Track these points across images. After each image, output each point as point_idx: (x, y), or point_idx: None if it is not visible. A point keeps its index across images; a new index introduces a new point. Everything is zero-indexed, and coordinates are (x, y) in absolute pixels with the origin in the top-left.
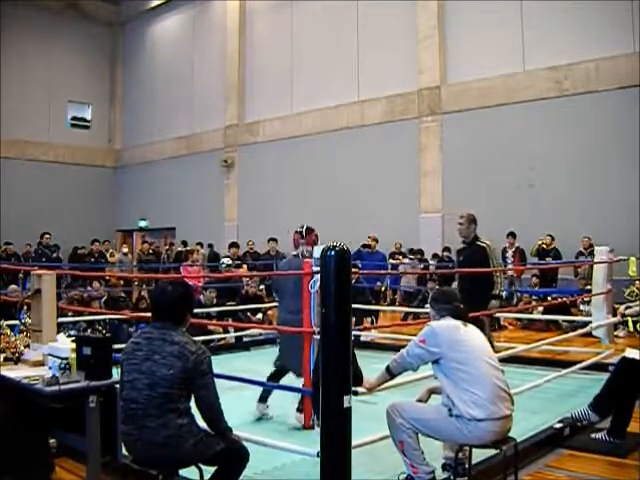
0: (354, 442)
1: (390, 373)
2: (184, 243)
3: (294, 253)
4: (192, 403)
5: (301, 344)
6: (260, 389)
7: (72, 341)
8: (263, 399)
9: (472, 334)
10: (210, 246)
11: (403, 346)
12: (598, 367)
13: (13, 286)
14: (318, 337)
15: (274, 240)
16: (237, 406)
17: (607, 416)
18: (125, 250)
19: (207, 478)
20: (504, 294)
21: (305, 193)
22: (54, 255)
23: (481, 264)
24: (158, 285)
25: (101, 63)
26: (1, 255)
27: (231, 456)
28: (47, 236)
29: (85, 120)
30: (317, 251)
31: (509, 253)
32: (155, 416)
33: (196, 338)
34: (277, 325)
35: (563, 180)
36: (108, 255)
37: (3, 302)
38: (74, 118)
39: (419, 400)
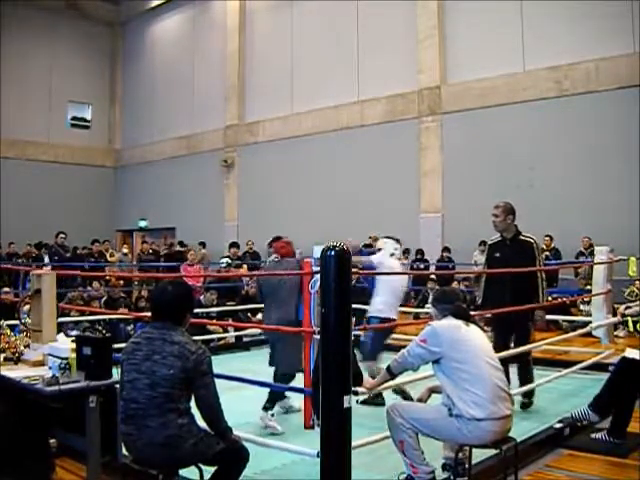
0: (354, 442)
1: (390, 373)
2: (180, 243)
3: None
4: (192, 403)
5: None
6: (261, 389)
7: (72, 341)
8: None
9: (473, 334)
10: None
11: (403, 346)
12: (598, 367)
13: (5, 289)
14: (318, 337)
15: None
16: (237, 406)
17: (607, 416)
18: (125, 250)
19: (207, 478)
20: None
21: (305, 193)
22: (68, 255)
23: (529, 263)
24: (158, 285)
25: (101, 63)
26: (2, 255)
27: (231, 456)
28: (62, 235)
29: (85, 120)
30: (317, 251)
31: None
32: (155, 416)
33: (196, 338)
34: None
35: (563, 180)
36: (108, 255)
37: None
38: (74, 118)
39: (419, 400)
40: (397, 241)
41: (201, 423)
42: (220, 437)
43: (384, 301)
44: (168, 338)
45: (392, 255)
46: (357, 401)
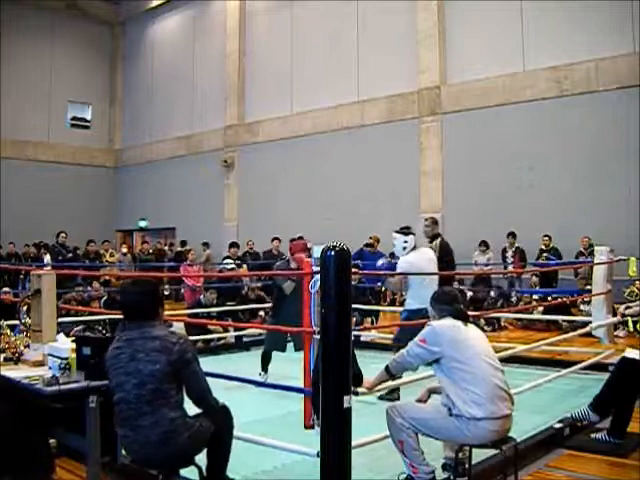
0: (354, 442)
1: (389, 373)
2: (182, 243)
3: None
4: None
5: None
6: (261, 389)
7: (72, 341)
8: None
9: (472, 334)
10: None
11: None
12: (598, 367)
13: (5, 289)
14: (318, 337)
15: (278, 239)
16: (237, 406)
17: (607, 416)
18: (125, 250)
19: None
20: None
21: (305, 193)
22: (70, 255)
23: None
24: (122, 287)
25: (101, 63)
26: (1, 255)
27: (221, 424)
28: (62, 235)
29: (85, 120)
30: (317, 251)
31: (509, 253)
32: (148, 414)
33: (196, 338)
34: None
35: (563, 180)
36: (108, 255)
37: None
38: (74, 118)
39: (419, 400)
40: (407, 233)
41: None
42: (208, 413)
43: (411, 296)
44: (148, 335)
45: (404, 249)
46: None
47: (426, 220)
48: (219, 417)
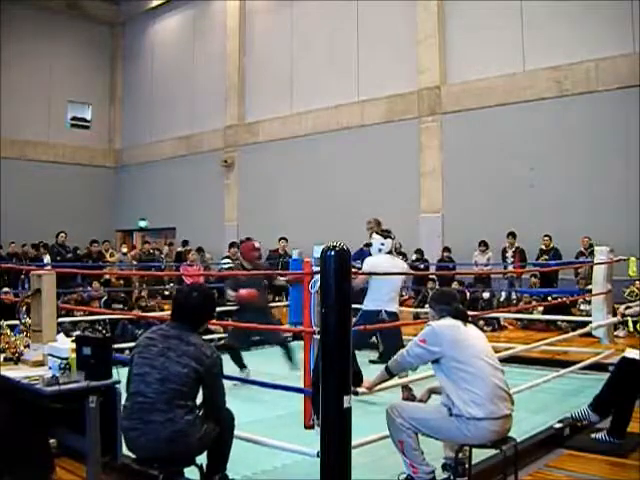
0: (354, 442)
1: (389, 373)
2: (185, 243)
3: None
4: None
5: None
6: (261, 389)
7: (72, 341)
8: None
9: (472, 334)
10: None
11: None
12: (598, 367)
13: (5, 289)
14: (318, 337)
15: (284, 239)
16: (237, 406)
17: (607, 416)
18: (125, 250)
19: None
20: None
21: (305, 193)
22: (69, 255)
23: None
24: (184, 289)
25: (101, 63)
26: (1, 255)
27: (223, 426)
28: (62, 235)
29: (85, 120)
30: (317, 251)
31: (509, 253)
32: (163, 411)
33: None
34: None
35: (563, 180)
36: (108, 255)
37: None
38: (74, 118)
39: (419, 400)
40: (386, 236)
41: None
42: (213, 418)
43: (368, 297)
44: (184, 338)
45: (380, 251)
46: None
47: (369, 222)
48: (222, 418)
